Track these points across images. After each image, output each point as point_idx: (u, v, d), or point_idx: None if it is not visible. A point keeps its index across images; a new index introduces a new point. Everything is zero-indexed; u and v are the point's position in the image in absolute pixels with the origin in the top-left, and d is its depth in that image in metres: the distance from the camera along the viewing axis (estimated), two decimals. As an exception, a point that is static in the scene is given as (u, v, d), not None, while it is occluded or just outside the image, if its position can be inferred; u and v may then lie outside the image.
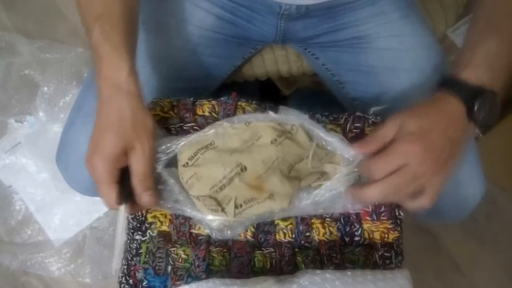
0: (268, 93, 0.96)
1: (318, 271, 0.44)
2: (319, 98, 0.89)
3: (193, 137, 0.52)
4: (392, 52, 0.66)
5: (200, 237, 0.54)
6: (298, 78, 0.88)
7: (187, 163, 0.52)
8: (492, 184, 0.66)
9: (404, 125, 0.48)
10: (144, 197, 0.47)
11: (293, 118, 0.53)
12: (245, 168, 0.51)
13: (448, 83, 0.51)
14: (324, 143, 0.53)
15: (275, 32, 0.69)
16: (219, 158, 0.52)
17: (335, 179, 0.51)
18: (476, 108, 0.49)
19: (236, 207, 0.50)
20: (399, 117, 0.49)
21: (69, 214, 1.09)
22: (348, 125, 0.56)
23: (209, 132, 0.53)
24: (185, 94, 0.60)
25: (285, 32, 0.69)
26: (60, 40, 1.22)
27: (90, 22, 0.49)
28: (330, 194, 0.51)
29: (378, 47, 0.66)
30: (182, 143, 0.52)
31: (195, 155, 0.52)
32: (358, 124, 0.57)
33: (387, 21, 0.67)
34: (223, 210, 0.50)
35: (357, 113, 0.58)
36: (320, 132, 0.52)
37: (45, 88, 1.09)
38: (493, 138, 1.03)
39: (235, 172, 0.51)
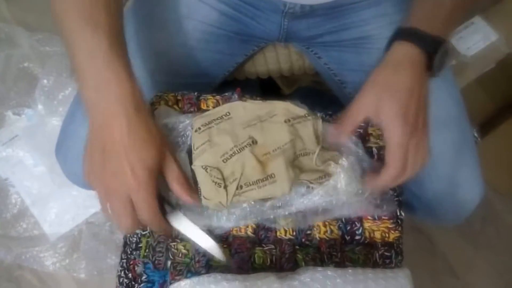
0: (268, 92, 0.96)
1: (319, 268, 0.44)
2: (319, 97, 0.90)
3: (208, 112, 0.54)
4: (394, 53, 0.67)
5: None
6: (299, 77, 0.88)
7: (199, 128, 0.52)
8: (488, 188, 0.66)
9: (380, 106, 0.51)
10: (191, 199, 0.49)
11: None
12: (256, 142, 0.52)
13: (407, 34, 0.54)
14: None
15: (279, 30, 0.69)
16: (233, 129, 0.53)
17: (334, 180, 0.52)
18: (436, 59, 0.53)
19: (237, 188, 0.50)
20: (371, 94, 0.52)
21: (66, 208, 1.08)
22: (351, 124, 0.57)
23: (224, 106, 0.55)
24: (186, 90, 0.59)
25: (288, 30, 0.69)
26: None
27: (90, 30, 0.45)
28: (329, 199, 0.52)
29: (381, 47, 0.66)
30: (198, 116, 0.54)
31: (209, 123, 0.53)
32: (362, 124, 0.57)
33: (390, 22, 0.67)
34: (225, 187, 0.50)
35: None
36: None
37: (45, 81, 1.08)
38: (491, 143, 1.04)
39: (247, 143, 0.52)
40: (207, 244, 0.51)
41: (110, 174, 0.45)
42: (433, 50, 0.53)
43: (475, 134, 0.72)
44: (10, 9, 1.24)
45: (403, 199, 0.58)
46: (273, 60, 0.79)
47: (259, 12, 0.67)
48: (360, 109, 0.52)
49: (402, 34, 0.54)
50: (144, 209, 0.45)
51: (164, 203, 0.50)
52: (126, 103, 0.45)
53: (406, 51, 0.53)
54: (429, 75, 0.54)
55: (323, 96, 0.85)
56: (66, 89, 1.08)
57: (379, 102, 0.51)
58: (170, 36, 0.67)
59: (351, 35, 0.68)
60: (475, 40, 0.99)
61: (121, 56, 0.46)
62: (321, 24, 0.68)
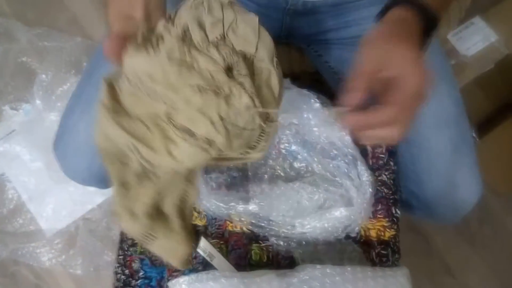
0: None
1: (318, 266, 0.44)
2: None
3: None
4: (395, 52, 0.66)
5: (197, 228, 0.54)
6: (299, 75, 0.88)
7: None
8: (485, 188, 0.66)
9: (393, 52, 0.43)
10: None
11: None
12: None
13: (407, 2, 0.48)
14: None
15: (280, 28, 0.69)
16: None
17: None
18: (428, 38, 0.48)
19: None
20: (378, 44, 0.45)
21: (62, 204, 1.08)
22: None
23: None
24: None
25: (289, 28, 0.69)
26: (58, 28, 1.20)
27: None
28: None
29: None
30: None
31: None
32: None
33: (391, 21, 0.67)
34: None
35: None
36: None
37: (43, 76, 1.08)
38: (489, 143, 1.04)
39: None
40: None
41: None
42: (429, 27, 0.48)
43: (473, 135, 0.72)
44: (9, 3, 1.23)
45: (401, 198, 0.58)
46: (273, 58, 0.79)
47: (260, 9, 0.67)
48: (368, 61, 0.44)
49: (401, 1, 0.49)
50: None
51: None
52: None
53: (409, 17, 0.48)
54: None
55: (323, 95, 0.85)
56: (65, 84, 1.08)
57: (391, 49, 0.43)
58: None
59: (352, 33, 0.68)
60: (474, 40, 0.99)
61: None
62: (322, 21, 0.68)
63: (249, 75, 0.37)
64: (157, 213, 0.39)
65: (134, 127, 0.36)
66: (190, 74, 0.35)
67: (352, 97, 0.42)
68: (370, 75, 0.43)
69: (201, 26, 0.37)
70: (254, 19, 0.38)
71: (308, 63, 0.79)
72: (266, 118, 0.38)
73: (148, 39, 0.37)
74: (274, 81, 0.38)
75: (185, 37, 0.37)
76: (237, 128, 0.36)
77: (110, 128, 0.37)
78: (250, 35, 0.38)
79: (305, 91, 0.56)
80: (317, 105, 0.55)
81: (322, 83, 0.82)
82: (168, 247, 0.40)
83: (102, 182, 0.67)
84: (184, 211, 0.41)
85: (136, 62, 0.36)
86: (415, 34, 0.47)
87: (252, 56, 0.38)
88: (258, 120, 0.37)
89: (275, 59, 0.39)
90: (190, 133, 0.35)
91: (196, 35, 0.37)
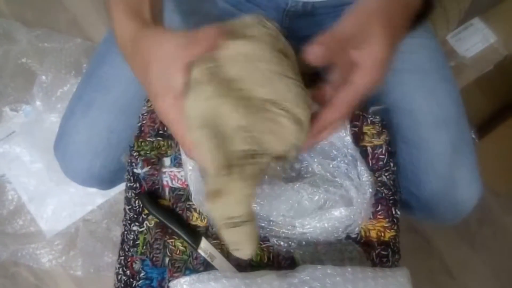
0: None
1: (319, 267, 0.44)
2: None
3: None
4: (395, 53, 0.66)
5: (198, 229, 0.54)
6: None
7: None
8: (485, 189, 0.67)
9: (368, 23, 0.42)
10: None
11: None
12: None
13: None
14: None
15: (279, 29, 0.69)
16: None
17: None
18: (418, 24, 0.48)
19: None
20: (361, 21, 0.43)
21: (62, 205, 1.08)
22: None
23: None
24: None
25: (289, 29, 0.69)
26: (58, 29, 1.21)
27: None
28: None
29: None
30: None
31: None
32: (357, 123, 0.57)
33: (390, 22, 0.67)
34: None
35: (356, 112, 0.58)
36: None
37: (43, 77, 1.08)
38: (489, 144, 1.05)
39: None
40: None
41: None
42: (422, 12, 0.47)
43: (473, 135, 0.72)
44: (8, 4, 1.23)
45: (401, 199, 0.58)
46: (273, 59, 0.79)
47: (260, 10, 0.67)
48: (345, 28, 0.43)
49: None
50: None
51: None
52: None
53: None
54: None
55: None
56: (65, 85, 1.08)
57: (371, 31, 0.42)
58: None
59: (351, 35, 0.68)
60: (473, 41, 0.99)
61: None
62: (322, 23, 0.68)
63: None
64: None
65: (243, 107, 0.38)
66: (286, 65, 0.41)
67: (316, 49, 0.40)
68: (340, 42, 0.41)
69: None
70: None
71: (307, 64, 0.79)
72: None
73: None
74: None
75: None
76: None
77: (219, 107, 0.38)
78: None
79: (304, 92, 0.56)
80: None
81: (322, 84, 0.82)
82: (251, 232, 0.41)
83: (102, 183, 0.67)
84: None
85: (242, 45, 0.40)
86: (407, 16, 0.45)
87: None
88: (311, 103, 0.42)
89: None
90: (292, 116, 0.40)
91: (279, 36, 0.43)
